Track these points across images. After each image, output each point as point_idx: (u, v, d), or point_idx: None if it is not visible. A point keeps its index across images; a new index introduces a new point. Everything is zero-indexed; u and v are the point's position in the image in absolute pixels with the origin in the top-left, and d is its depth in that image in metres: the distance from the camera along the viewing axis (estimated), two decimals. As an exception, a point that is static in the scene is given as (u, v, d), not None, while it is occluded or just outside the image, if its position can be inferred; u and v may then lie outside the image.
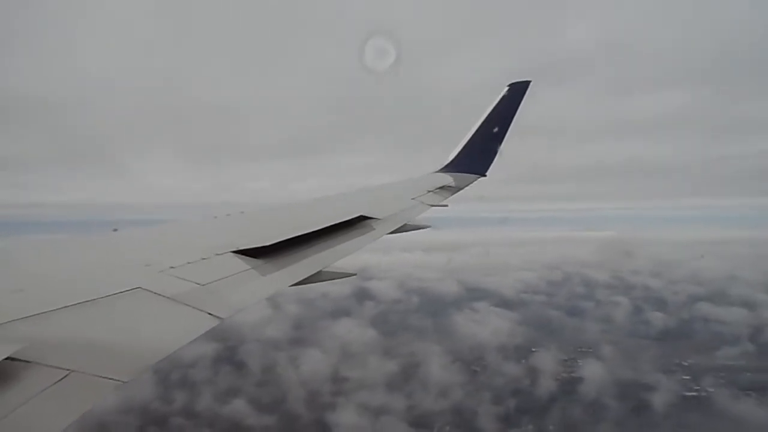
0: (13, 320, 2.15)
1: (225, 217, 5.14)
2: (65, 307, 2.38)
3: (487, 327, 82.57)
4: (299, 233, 4.24)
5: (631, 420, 56.14)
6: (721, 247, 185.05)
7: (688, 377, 64.89)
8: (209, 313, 2.73)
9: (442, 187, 8.22)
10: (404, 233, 6.01)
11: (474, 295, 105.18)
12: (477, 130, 9.56)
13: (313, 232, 4.44)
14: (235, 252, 3.74)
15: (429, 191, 7.79)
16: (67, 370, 1.89)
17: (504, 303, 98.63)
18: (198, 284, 3.06)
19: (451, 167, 9.47)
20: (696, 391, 61.29)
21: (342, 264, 4.26)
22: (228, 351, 65.75)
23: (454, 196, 8.24)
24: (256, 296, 3.20)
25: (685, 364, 69.14)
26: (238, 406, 55.20)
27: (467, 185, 8.91)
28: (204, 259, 3.51)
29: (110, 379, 1.93)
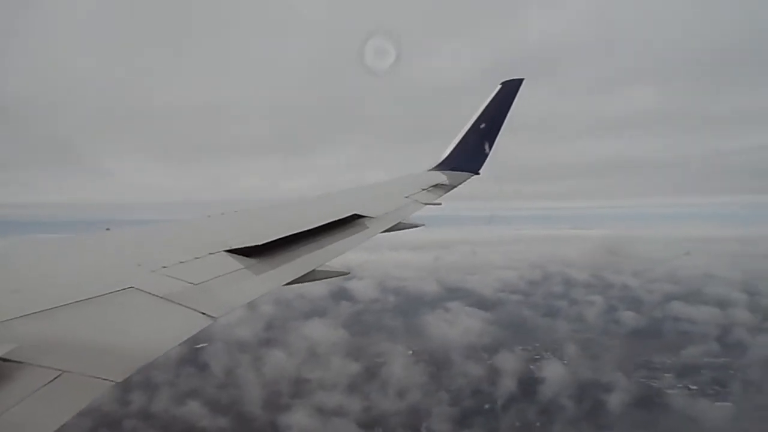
0: (4, 321, 2.13)
1: (218, 216, 5.14)
2: (57, 307, 2.37)
3: (457, 327, 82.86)
4: (292, 232, 4.27)
5: (586, 420, 56.10)
6: (706, 245, 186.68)
7: (647, 376, 65.13)
8: (202, 313, 2.74)
9: (435, 186, 8.27)
10: (398, 232, 6.07)
11: (451, 294, 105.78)
12: (470, 128, 9.60)
13: (306, 230, 4.47)
14: (228, 251, 3.74)
15: (422, 189, 7.85)
16: (59, 370, 1.88)
17: (479, 302, 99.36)
18: (191, 283, 3.06)
19: (445, 165, 9.48)
20: (653, 389, 61.34)
21: (336, 263, 4.31)
22: (192, 352, 65.85)
23: (447, 194, 8.30)
24: (250, 295, 3.23)
25: (647, 363, 69.36)
26: (193, 408, 55.27)
27: (461, 183, 8.96)
28: (197, 258, 3.51)
29: (103, 379, 1.93)
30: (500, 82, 9.63)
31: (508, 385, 63.52)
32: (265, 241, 3.91)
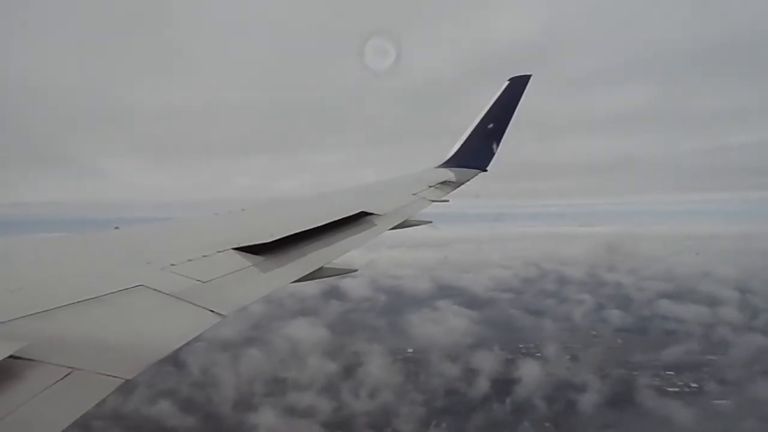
0: (15, 318, 2.15)
1: (226, 214, 5.15)
2: (67, 305, 2.39)
3: (442, 327, 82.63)
4: (300, 230, 4.30)
5: (556, 420, 55.92)
6: (706, 242, 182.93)
7: (622, 376, 64.55)
8: (211, 310, 2.77)
9: (442, 183, 8.27)
10: (405, 229, 6.10)
11: (443, 293, 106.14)
12: (477, 125, 9.61)
13: (314, 228, 4.49)
14: (236, 249, 3.75)
15: (430, 186, 7.86)
16: (70, 368, 1.89)
17: (468, 301, 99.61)
18: (200, 281, 3.09)
19: (452, 162, 9.48)
20: (625, 389, 60.86)
21: (343, 260, 4.34)
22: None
23: (455, 191, 8.32)
24: (258, 293, 3.25)
25: (625, 362, 69.02)
26: (163, 407, 56.04)
27: (468, 180, 8.98)
28: (205, 256, 3.52)
29: (113, 376, 1.95)
30: (507, 79, 9.63)
31: (481, 385, 63.31)
32: (273, 239, 3.93)
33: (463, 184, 8.69)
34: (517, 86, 9.49)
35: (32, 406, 1.67)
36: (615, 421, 56.48)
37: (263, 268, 3.63)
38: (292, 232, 4.17)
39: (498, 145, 9.42)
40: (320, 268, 3.96)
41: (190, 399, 58.69)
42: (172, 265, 3.22)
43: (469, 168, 9.28)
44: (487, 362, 69.03)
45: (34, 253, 3.44)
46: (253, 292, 3.21)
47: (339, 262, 4.24)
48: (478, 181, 9.19)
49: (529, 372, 65.91)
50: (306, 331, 78.73)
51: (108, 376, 1.94)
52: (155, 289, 2.81)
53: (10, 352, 1.81)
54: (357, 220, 5.29)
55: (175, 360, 63.69)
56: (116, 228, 4.26)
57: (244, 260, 3.62)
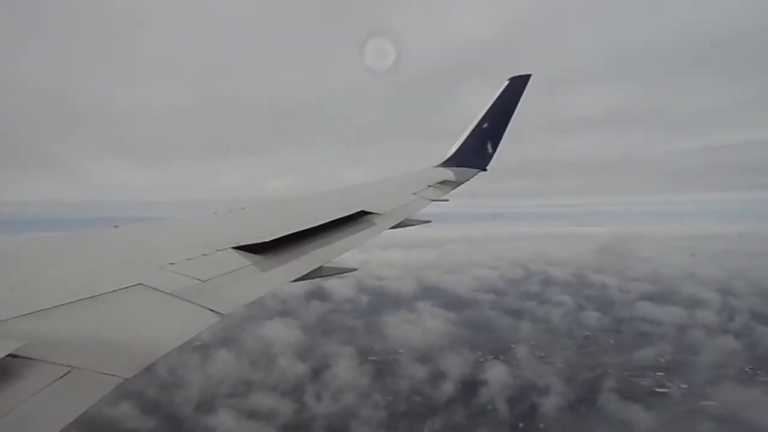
0: (14, 317, 2.18)
1: (225, 213, 5.16)
2: (66, 303, 2.41)
3: (416, 329, 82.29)
4: (300, 229, 4.31)
5: (514, 423, 55.49)
6: (696, 242, 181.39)
7: (585, 379, 64.18)
8: (210, 309, 2.78)
9: (442, 182, 8.29)
10: (404, 228, 6.09)
11: (424, 294, 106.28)
12: (477, 124, 9.61)
13: (314, 227, 4.51)
14: (235, 248, 3.76)
15: (429, 186, 7.89)
16: (69, 366, 1.92)
17: (448, 303, 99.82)
18: (199, 280, 3.10)
19: (452, 162, 9.48)
20: (587, 393, 60.92)
21: (342, 259, 4.34)
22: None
23: (454, 190, 8.32)
24: (257, 292, 3.26)
25: (595, 365, 68.56)
26: (124, 408, 56.18)
27: (468, 180, 8.98)
28: (205, 255, 3.54)
29: (112, 375, 1.97)
30: (507, 78, 9.64)
31: (446, 388, 63.26)
32: (272, 238, 3.93)
33: (462, 183, 8.69)
34: (516, 86, 9.47)
35: (32, 405, 1.69)
36: (575, 424, 56.19)
37: (263, 267, 3.63)
38: (292, 231, 4.17)
39: (498, 145, 9.42)
40: (319, 267, 3.96)
41: (154, 400, 58.81)
42: (172, 263, 3.22)
43: (468, 167, 9.28)
44: (454, 365, 68.88)
45: (34, 251, 3.44)
46: (252, 291, 3.23)
47: (338, 261, 4.24)
48: (476, 180, 9.20)
49: (495, 375, 65.80)
50: (280, 333, 78.64)
51: (107, 375, 1.96)
52: (154, 288, 2.82)
53: (9, 351, 1.82)
54: (357, 219, 5.29)
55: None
56: (116, 227, 4.27)
57: (243, 259, 3.63)
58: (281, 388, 63.17)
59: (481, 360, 71.76)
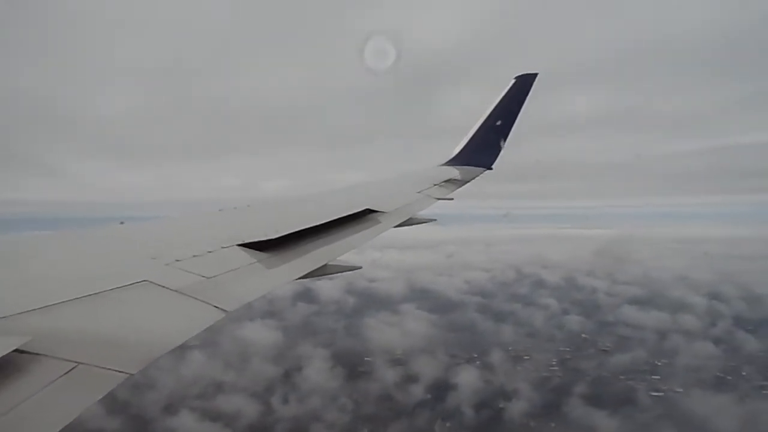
0: (21, 313, 2.19)
1: (231, 211, 5.16)
2: (72, 300, 2.43)
3: (396, 331, 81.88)
4: (305, 227, 4.33)
5: (480, 427, 55.15)
6: (696, 245, 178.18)
7: (556, 385, 63.69)
8: (215, 306, 2.81)
9: (447, 181, 8.29)
10: (409, 227, 6.11)
11: (412, 296, 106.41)
12: (483, 123, 9.61)
13: (319, 225, 4.53)
14: (241, 245, 3.78)
15: (435, 184, 7.90)
16: (75, 362, 1.95)
17: (433, 305, 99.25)
18: (204, 277, 3.13)
19: (457, 160, 9.49)
20: (555, 398, 60.36)
21: (348, 257, 4.36)
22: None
23: (459, 189, 8.34)
24: (262, 289, 3.30)
25: (573, 370, 68.37)
26: (90, 408, 56.57)
27: (473, 178, 8.97)
28: (210, 252, 3.56)
29: (117, 371, 2.00)
30: (514, 77, 9.61)
31: (416, 391, 62.96)
32: (277, 236, 3.96)
33: (468, 182, 8.67)
34: (523, 84, 9.43)
35: (38, 400, 1.72)
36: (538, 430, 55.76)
37: (268, 264, 3.65)
38: (297, 229, 4.19)
39: (504, 144, 9.41)
40: (324, 265, 3.98)
41: (123, 401, 59.23)
42: (177, 260, 3.25)
43: (474, 166, 9.27)
44: (428, 368, 68.47)
45: (39, 248, 3.46)
46: (257, 288, 3.26)
47: (343, 259, 4.26)
48: (478, 180, 9.20)
49: (466, 379, 65.45)
50: (259, 334, 78.84)
51: (113, 370, 1.99)
52: (160, 285, 2.84)
53: (16, 346, 1.85)
54: (362, 217, 5.30)
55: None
56: (121, 223, 4.32)
57: (248, 256, 3.64)
58: (250, 390, 63.38)
59: (455, 363, 71.48)
